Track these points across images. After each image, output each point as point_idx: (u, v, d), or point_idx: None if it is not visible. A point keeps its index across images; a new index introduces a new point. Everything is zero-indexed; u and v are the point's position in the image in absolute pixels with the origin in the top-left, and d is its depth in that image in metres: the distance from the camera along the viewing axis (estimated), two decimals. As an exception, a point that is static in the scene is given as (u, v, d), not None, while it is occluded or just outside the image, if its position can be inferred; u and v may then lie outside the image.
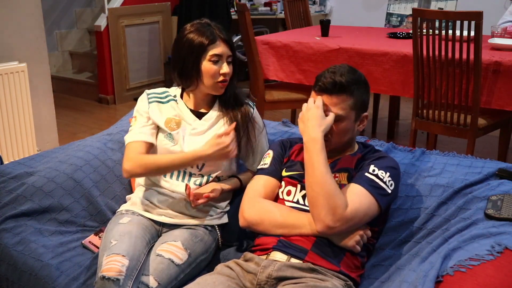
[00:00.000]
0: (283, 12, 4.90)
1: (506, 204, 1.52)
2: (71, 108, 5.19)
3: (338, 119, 1.62)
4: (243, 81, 5.84)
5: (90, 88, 5.53)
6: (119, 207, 1.92)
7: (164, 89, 1.95)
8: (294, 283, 1.49)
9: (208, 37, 1.77)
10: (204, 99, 1.88)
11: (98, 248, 1.82)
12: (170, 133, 1.83)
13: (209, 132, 1.84)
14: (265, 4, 5.83)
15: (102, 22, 5.12)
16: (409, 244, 1.63)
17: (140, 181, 1.92)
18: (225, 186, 1.84)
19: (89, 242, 1.86)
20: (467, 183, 1.66)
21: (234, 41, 5.22)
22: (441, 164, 1.80)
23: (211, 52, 1.76)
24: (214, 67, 1.77)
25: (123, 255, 1.57)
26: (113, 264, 1.54)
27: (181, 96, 1.92)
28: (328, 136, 1.62)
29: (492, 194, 1.60)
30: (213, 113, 1.87)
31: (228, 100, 1.85)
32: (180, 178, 1.84)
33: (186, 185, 1.77)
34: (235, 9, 5.26)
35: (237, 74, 1.85)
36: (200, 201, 1.74)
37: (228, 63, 1.80)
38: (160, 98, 1.90)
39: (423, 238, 1.61)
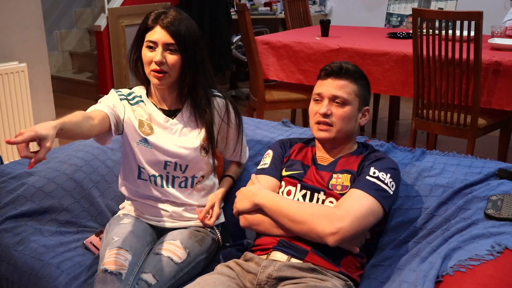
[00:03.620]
0: (283, 12, 4.90)
1: (506, 204, 1.52)
2: (71, 108, 5.16)
3: (342, 103, 1.66)
4: (243, 81, 5.85)
5: (90, 88, 5.53)
6: (119, 207, 1.92)
7: (128, 90, 1.83)
8: (294, 283, 1.49)
9: (147, 23, 1.69)
10: (170, 94, 1.77)
11: (98, 249, 1.81)
12: (145, 138, 1.73)
13: (184, 130, 1.77)
14: (265, 4, 5.83)
15: (102, 22, 5.12)
16: (409, 244, 1.63)
17: (131, 196, 1.85)
18: (223, 192, 1.86)
19: (90, 242, 1.85)
20: (467, 183, 1.66)
21: (234, 41, 5.22)
22: (441, 164, 1.80)
23: (146, 38, 1.68)
24: (148, 53, 1.68)
25: (126, 249, 1.56)
26: (115, 257, 1.52)
27: (147, 96, 1.81)
28: (332, 119, 1.66)
29: (492, 194, 1.60)
30: (186, 110, 1.78)
31: (193, 93, 1.74)
32: (164, 182, 1.78)
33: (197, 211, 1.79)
34: (235, 9, 5.26)
35: (200, 68, 1.72)
36: (213, 219, 1.77)
37: (171, 51, 1.67)
38: (128, 99, 1.78)
39: (423, 238, 1.61)
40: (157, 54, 1.66)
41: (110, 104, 1.71)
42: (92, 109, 1.67)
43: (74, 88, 5.65)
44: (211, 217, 1.77)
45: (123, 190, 1.87)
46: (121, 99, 1.76)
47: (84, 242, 1.86)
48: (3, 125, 3.21)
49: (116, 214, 1.86)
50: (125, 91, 1.81)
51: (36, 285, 1.71)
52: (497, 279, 1.27)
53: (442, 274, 1.32)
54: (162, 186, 1.78)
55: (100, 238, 1.86)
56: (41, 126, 1.31)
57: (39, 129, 1.29)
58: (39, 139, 1.28)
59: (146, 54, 1.68)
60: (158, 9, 1.71)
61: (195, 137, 1.77)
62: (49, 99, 3.58)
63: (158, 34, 1.66)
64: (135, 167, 1.78)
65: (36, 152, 1.28)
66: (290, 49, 3.65)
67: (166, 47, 1.66)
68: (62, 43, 5.89)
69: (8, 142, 1.25)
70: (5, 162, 2.92)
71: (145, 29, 1.70)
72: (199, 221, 1.80)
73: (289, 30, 4.41)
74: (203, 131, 1.78)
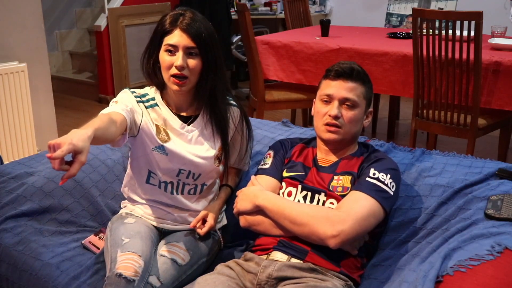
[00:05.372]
0: (283, 12, 4.90)
1: (506, 204, 1.52)
2: (71, 108, 5.19)
3: (352, 105, 1.65)
4: (243, 81, 5.85)
5: (90, 88, 5.53)
6: (119, 207, 1.91)
7: (141, 90, 1.75)
8: (295, 283, 1.49)
9: (164, 26, 1.63)
10: (187, 100, 1.72)
11: (98, 248, 1.82)
12: (162, 145, 1.68)
13: (199, 138, 1.73)
14: (265, 4, 5.83)
15: (102, 22, 5.12)
16: (409, 244, 1.63)
17: (135, 198, 1.82)
18: (220, 204, 1.84)
19: (89, 242, 1.85)
20: (467, 183, 1.66)
21: (234, 41, 5.22)
22: (441, 164, 1.80)
23: (165, 42, 1.62)
24: (167, 58, 1.61)
25: (139, 255, 1.54)
26: (129, 263, 1.51)
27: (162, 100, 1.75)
28: (341, 121, 1.65)
29: (492, 194, 1.60)
30: (203, 117, 1.74)
31: (211, 98, 1.70)
32: (174, 189, 1.75)
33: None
34: (235, 9, 5.26)
35: (219, 72, 1.68)
36: (205, 229, 1.74)
37: (192, 55, 1.62)
38: (143, 102, 1.71)
39: (423, 238, 1.61)
40: (178, 59, 1.60)
41: (127, 106, 1.63)
42: (109, 110, 1.58)
43: (74, 88, 5.65)
44: (203, 227, 1.75)
45: (126, 191, 1.84)
46: (137, 102, 1.69)
47: (83, 242, 1.85)
48: (3, 125, 3.21)
49: (119, 213, 1.84)
50: (139, 91, 1.74)
51: (36, 285, 1.71)
52: (497, 279, 1.27)
53: (442, 274, 1.32)
54: (171, 192, 1.75)
55: (100, 238, 1.86)
56: (77, 137, 1.24)
57: (76, 141, 1.22)
58: (75, 152, 1.22)
59: (165, 58, 1.62)
60: (175, 10, 1.66)
61: (211, 146, 1.74)
62: (49, 99, 3.58)
63: (178, 38, 1.60)
64: (145, 171, 1.74)
65: (69, 164, 1.22)
66: (290, 49, 3.65)
67: (187, 51, 1.61)
68: (62, 43, 5.89)
69: (51, 158, 1.18)
70: (5, 162, 2.92)
71: (163, 32, 1.63)
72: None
73: (289, 30, 4.41)
74: (218, 140, 1.76)
